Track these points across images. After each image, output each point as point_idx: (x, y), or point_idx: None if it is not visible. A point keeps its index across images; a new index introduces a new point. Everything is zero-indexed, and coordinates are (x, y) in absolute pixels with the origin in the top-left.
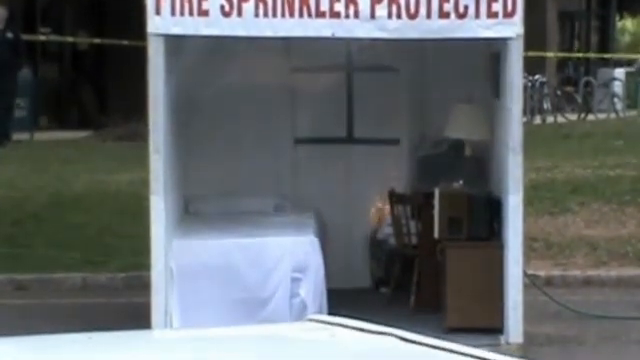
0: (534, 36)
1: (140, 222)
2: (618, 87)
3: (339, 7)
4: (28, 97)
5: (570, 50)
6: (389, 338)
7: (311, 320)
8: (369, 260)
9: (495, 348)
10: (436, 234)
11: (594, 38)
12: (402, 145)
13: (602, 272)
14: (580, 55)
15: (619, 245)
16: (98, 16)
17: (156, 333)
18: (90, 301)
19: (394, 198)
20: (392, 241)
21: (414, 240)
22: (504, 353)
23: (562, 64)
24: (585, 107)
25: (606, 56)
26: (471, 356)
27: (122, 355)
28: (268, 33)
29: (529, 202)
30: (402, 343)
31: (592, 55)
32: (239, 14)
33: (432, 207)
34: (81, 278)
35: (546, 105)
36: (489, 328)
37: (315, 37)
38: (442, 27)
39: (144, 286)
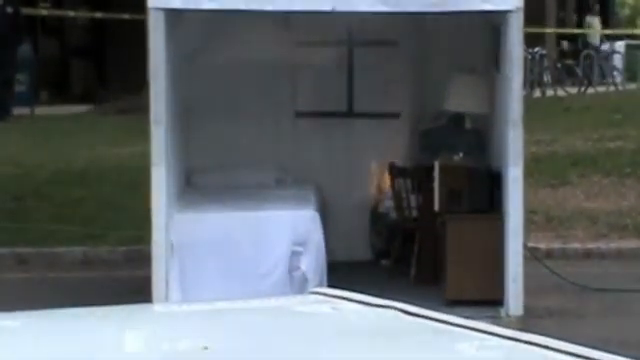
0: (533, 9)
1: (141, 195)
2: (618, 60)
3: None
4: (28, 72)
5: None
6: (392, 311)
7: (314, 293)
8: (370, 233)
9: (495, 320)
10: (436, 207)
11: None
12: (402, 119)
13: (602, 245)
14: (578, 32)
15: (619, 218)
16: None
17: (159, 307)
18: (91, 274)
19: (394, 171)
20: (393, 214)
21: (414, 213)
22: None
23: (565, 38)
24: (585, 80)
25: (607, 32)
26: (472, 329)
27: (126, 329)
28: (268, 7)
29: (529, 175)
30: (405, 316)
31: (590, 31)
32: None
33: (432, 180)
34: (82, 252)
35: (546, 78)
36: (489, 300)
37: (315, 11)
38: (442, 0)
39: (145, 259)
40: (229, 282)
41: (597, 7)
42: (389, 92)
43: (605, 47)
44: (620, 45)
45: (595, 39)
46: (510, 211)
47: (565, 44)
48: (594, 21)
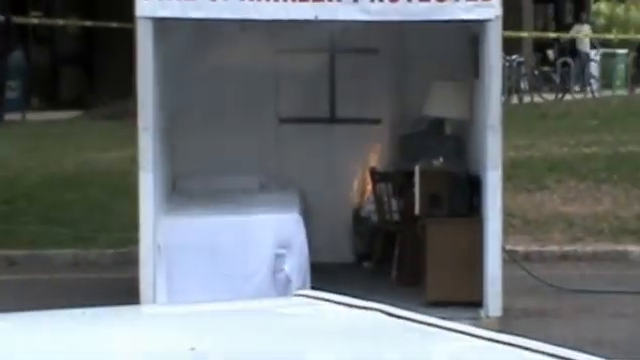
0: (511, 18)
1: (129, 199)
2: (594, 68)
3: None
4: (20, 79)
5: (545, 31)
6: (374, 313)
7: (298, 295)
8: (352, 236)
9: (475, 321)
10: (417, 210)
11: (569, 19)
12: (383, 124)
13: (578, 247)
14: (555, 35)
15: (595, 221)
16: (88, 0)
17: (146, 308)
18: (80, 276)
19: (376, 176)
20: (374, 217)
21: (396, 217)
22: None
23: (542, 45)
24: (563, 87)
25: (581, 37)
26: (452, 330)
27: (114, 330)
28: (253, 16)
29: (507, 179)
30: (386, 317)
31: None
32: None
33: (413, 184)
34: (72, 254)
35: (523, 85)
36: (469, 302)
37: (299, 20)
38: (423, 10)
39: (132, 262)
40: (215, 284)
41: (585, 15)
42: (370, 98)
43: (593, 54)
44: (596, 53)
45: (585, 46)
46: (489, 215)
47: (551, 53)
48: (583, 28)
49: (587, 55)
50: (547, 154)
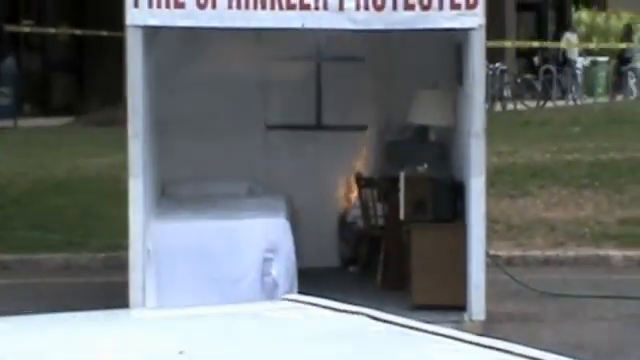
0: (494, 26)
1: (119, 204)
2: (576, 76)
3: None
4: (12, 86)
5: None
6: (360, 317)
7: (285, 299)
8: (338, 241)
9: (458, 325)
10: (402, 216)
11: (551, 28)
12: (369, 131)
13: (560, 252)
14: (537, 45)
15: (576, 227)
16: (78, 8)
17: (135, 312)
18: (71, 280)
19: (361, 182)
20: (360, 223)
21: (381, 222)
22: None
23: (524, 53)
24: (544, 95)
25: (573, 45)
26: (436, 333)
27: (104, 333)
28: (241, 24)
29: (491, 185)
30: (373, 322)
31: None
32: (213, 6)
33: (398, 190)
34: (63, 258)
35: (506, 92)
36: (453, 305)
37: (286, 28)
38: (407, 18)
39: (122, 266)
40: (203, 288)
41: (572, 25)
42: (356, 106)
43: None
44: (579, 61)
45: (574, 54)
46: (472, 220)
47: (537, 60)
48: (573, 37)
49: (576, 63)
50: (530, 160)
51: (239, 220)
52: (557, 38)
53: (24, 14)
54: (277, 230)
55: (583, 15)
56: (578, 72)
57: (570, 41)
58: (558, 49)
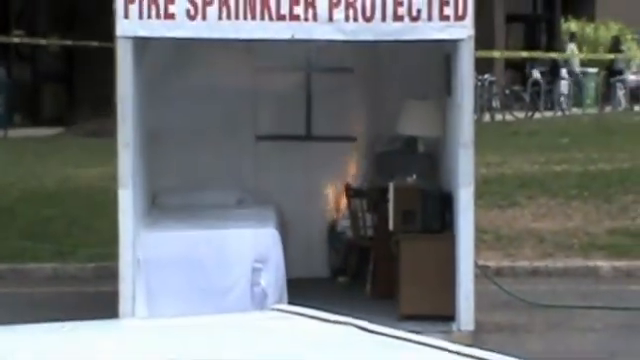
0: (483, 38)
1: (109, 214)
2: (564, 86)
3: (298, 10)
4: (3, 96)
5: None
6: (348, 327)
7: (274, 309)
8: (327, 251)
9: (447, 335)
10: (391, 226)
11: (541, 39)
12: (358, 142)
13: (549, 263)
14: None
15: (565, 237)
16: (69, 19)
17: (125, 322)
18: (61, 290)
19: (351, 192)
20: (349, 233)
21: (370, 232)
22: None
23: (513, 65)
24: (532, 105)
25: (553, 56)
26: (425, 344)
27: (94, 343)
28: (231, 35)
29: (479, 196)
30: (361, 332)
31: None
32: (204, 17)
33: (387, 201)
34: (52, 268)
35: (495, 103)
36: (441, 316)
37: (275, 39)
38: (396, 30)
39: (112, 276)
40: (193, 297)
41: (575, 35)
42: (346, 117)
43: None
44: (566, 72)
45: (576, 65)
46: (461, 231)
47: (536, 72)
48: (575, 48)
49: (578, 75)
50: (518, 171)
51: (229, 230)
52: (549, 49)
53: (15, 24)
54: (266, 240)
55: (572, 26)
56: (564, 82)
57: (574, 52)
58: (552, 60)
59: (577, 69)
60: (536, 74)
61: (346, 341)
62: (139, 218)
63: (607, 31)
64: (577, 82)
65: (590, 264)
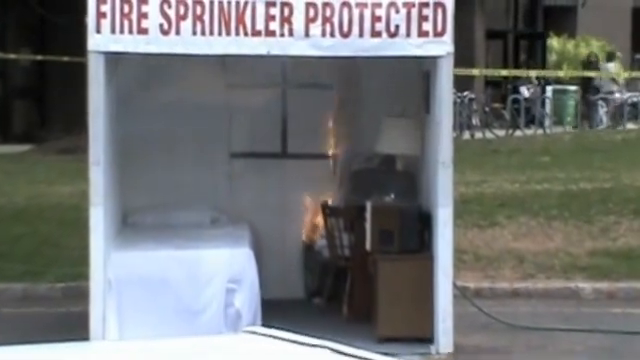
0: (462, 54)
1: (79, 233)
2: (546, 104)
3: (274, 26)
4: None
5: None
6: (324, 351)
7: (247, 332)
8: (303, 271)
9: (426, 357)
10: (368, 246)
11: (522, 56)
12: (335, 160)
13: (529, 284)
14: (506, 73)
15: (546, 258)
16: (40, 34)
17: (96, 344)
18: (30, 310)
19: (327, 211)
20: (325, 253)
21: (347, 252)
22: None
23: (493, 82)
24: (513, 123)
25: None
26: None
27: None
28: (205, 51)
29: (458, 215)
30: (337, 356)
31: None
32: (177, 32)
33: (364, 220)
34: (21, 288)
35: (475, 121)
36: (420, 338)
37: (251, 55)
38: (374, 45)
39: (82, 296)
40: (165, 319)
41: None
42: (322, 134)
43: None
44: (548, 90)
45: (613, 86)
46: (440, 251)
47: (525, 90)
48: (611, 67)
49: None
50: (498, 190)
51: (202, 250)
52: (530, 66)
53: None
54: (241, 260)
55: (554, 43)
56: (547, 100)
57: (609, 71)
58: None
59: (615, 90)
60: (524, 92)
61: None
62: (110, 237)
63: (587, 47)
64: (621, 105)
65: (571, 285)
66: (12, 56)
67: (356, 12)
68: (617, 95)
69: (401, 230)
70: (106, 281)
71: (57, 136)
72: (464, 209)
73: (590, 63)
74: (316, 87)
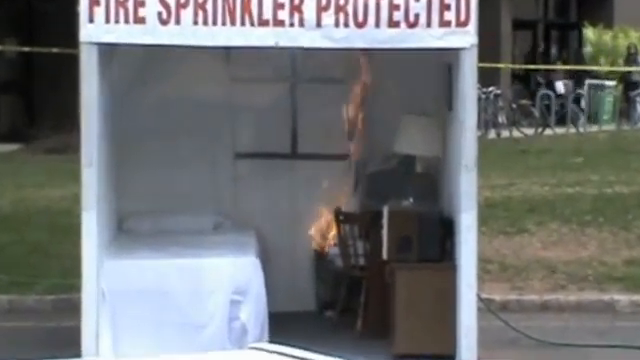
0: (487, 46)
1: (71, 241)
2: (581, 101)
3: (283, 15)
4: None
5: (528, 62)
6: None
7: (253, 348)
8: (314, 282)
9: None
10: (385, 255)
11: (553, 49)
12: (349, 161)
13: (560, 296)
14: (533, 67)
15: (578, 268)
16: (27, 23)
17: None
18: (16, 325)
19: (341, 217)
20: (338, 262)
21: (362, 261)
22: None
23: (520, 77)
24: (542, 121)
25: (566, 67)
26: None
27: None
28: (207, 42)
29: (483, 221)
30: None
31: (548, 67)
32: (177, 22)
33: (381, 226)
34: (7, 300)
35: (501, 119)
36: (440, 355)
37: (257, 46)
38: (391, 37)
39: (74, 309)
40: (164, 333)
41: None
42: (335, 133)
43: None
44: (585, 84)
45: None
46: (463, 260)
47: (562, 86)
48: None
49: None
50: (527, 194)
51: (204, 258)
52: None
53: None
54: (246, 270)
55: (589, 34)
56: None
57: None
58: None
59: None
60: (560, 87)
61: None
62: (104, 245)
63: (626, 39)
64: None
65: (606, 298)
66: None
67: (372, 0)
68: None
69: (420, 237)
70: (99, 292)
71: (46, 134)
72: (489, 215)
73: (630, 56)
74: (328, 82)
